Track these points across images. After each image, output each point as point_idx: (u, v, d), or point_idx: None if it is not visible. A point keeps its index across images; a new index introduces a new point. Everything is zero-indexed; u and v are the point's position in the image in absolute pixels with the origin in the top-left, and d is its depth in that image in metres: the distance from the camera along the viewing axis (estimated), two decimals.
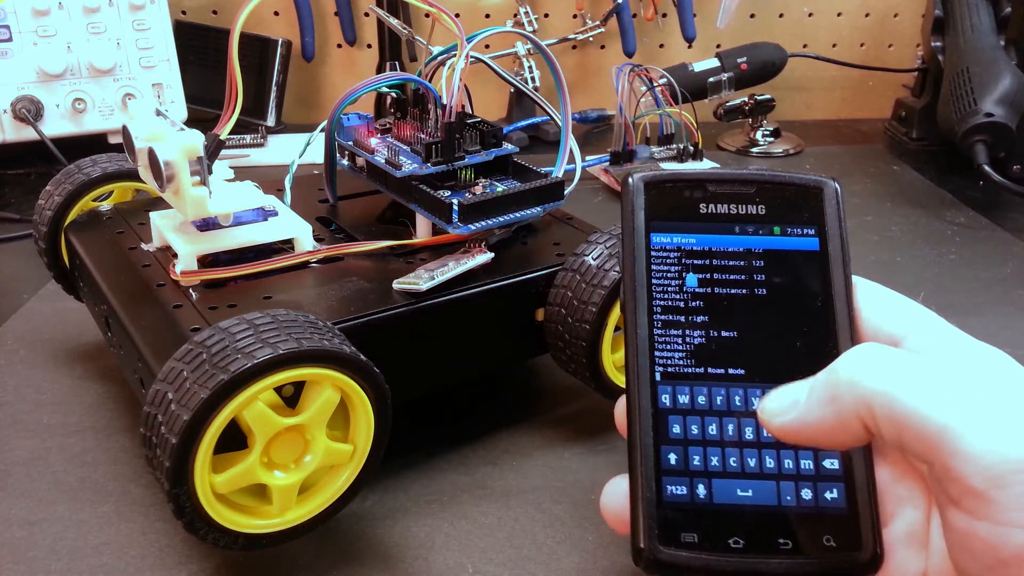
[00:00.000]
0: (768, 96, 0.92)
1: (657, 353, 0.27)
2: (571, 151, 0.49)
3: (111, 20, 0.78)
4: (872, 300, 0.27)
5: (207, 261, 0.41)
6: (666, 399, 0.26)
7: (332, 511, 0.35)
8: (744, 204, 0.28)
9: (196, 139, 0.39)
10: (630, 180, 0.28)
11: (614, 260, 0.40)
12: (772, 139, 0.93)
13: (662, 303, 0.27)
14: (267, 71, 0.93)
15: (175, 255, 0.42)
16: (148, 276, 0.41)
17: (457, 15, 0.44)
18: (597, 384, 0.41)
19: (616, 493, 0.26)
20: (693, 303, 0.27)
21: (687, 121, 0.84)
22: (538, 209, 0.44)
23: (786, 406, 0.24)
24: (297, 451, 0.34)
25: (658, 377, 0.27)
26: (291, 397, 0.33)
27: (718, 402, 0.26)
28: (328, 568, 0.36)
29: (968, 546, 0.21)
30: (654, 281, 0.28)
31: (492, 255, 0.42)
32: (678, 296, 0.27)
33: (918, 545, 0.24)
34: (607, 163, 0.83)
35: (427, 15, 0.98)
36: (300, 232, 0.43)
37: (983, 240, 0.71)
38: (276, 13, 0.99)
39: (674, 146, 0.85)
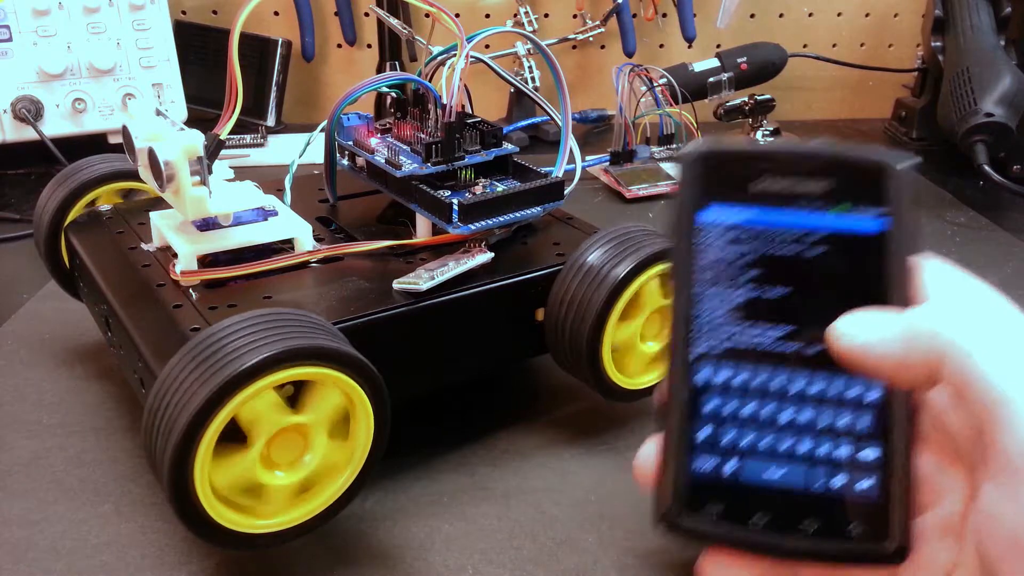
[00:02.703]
0: (768, 96, 0.92)
1: (699, 329, 0.26)
2: (571, 151, 0.49)
3: (111, 20, 0.78)
4: (941, 282, 0.26)
5: (207, 261, 0.41)
6: (705, 375, 0.26)
7: (332, 512, 0.35)
8: (806, 181, 0.27)
9: (196, 139, 0.38)
10: (687, 152, 0.27)
11: (615, 260, 0.40)
12: (772, 139, 0.93)
13: (709, 279, 0.27)
14: (267, 71, 0.93)
15: (175, 255, 0.41)
16: (148, 276, 0.41)
17: (457, 15, 0.44)
18: (598, 384, 0.41)
19: (650, 456, 0.27)
20: (742, 281, 0.27)
21: (687, 121, 0.84)
22: (538, 209, 0.44)
23: (857, 329, 0.24)
24: (297, 451, 0.34)
25: (699, 353, 0.26)
26: (292, 396, 0.33)
27: (758, 383, 0.26)
28: (328, 568, 0.36)
29: (991, 528, 0.21)
30: (702, 256, 0.27)
31: (492, 255, 0.42)
32: (727, 273, 0.27)
33: (952, 538, 0.24)
34: (607, 163, 0.83)
35: (427, 15, 0.98)
36: (300, 232, 0.43)
37: (983, 240, 0.71)
38: (276, 13, 0.99)
39: (674, 146, 0.85)
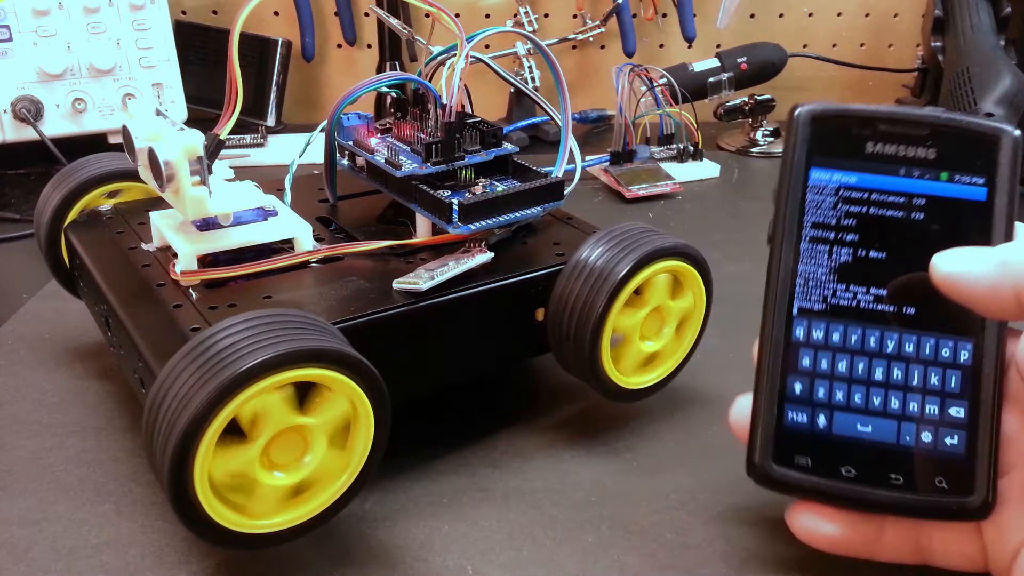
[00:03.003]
0: (768, 96, 0.92)
1: (798, 288, 0.27)
2: (571, 151, 0.49)
3: (111, 20, 0.78)
4: None
5: (207, 261, 0.41)
6: (800, 332, 0.27)
7: (331, 512, 0.35)
8: (913, 146, 0.27)
9: (196, 139, 0.38)
10: (796, 112, 0.28)
11: (617, 259, 0.40)
12: (772, 139, 0.93)
13: (811, 239, 0.27)
14: (267, 71, 0.93)
15: (175, 255, 0.41)
16: (148, 276, 0.41)
17: (457, 15, 0.44)
18: (599, 384, 0.42)
19: (745, 409, 0.28)
20: (843, 242, 0.27)
21: (687, 121, 0.84)
22: (538, 209, 0.44)
23: (954, 258, 0.25)
24: (297, 452, 0.33)
25: (795, 311, 0.27)
26: (292, 397, 0.33)
27: (852, 341, 0.27)
28: (328, 568, 0.36)
29: None
30: (806, 217, 0.27)
31: (492, 255, 0.42)
32: (829, 234, 0.27)
33: None
34: (607, 163, 0.83)
35: (427, 15, 0.98)
36: (300, 232, 0.43)
37: None
38: (276, 13, 0.99)
39: (674, 146, 0.85)
